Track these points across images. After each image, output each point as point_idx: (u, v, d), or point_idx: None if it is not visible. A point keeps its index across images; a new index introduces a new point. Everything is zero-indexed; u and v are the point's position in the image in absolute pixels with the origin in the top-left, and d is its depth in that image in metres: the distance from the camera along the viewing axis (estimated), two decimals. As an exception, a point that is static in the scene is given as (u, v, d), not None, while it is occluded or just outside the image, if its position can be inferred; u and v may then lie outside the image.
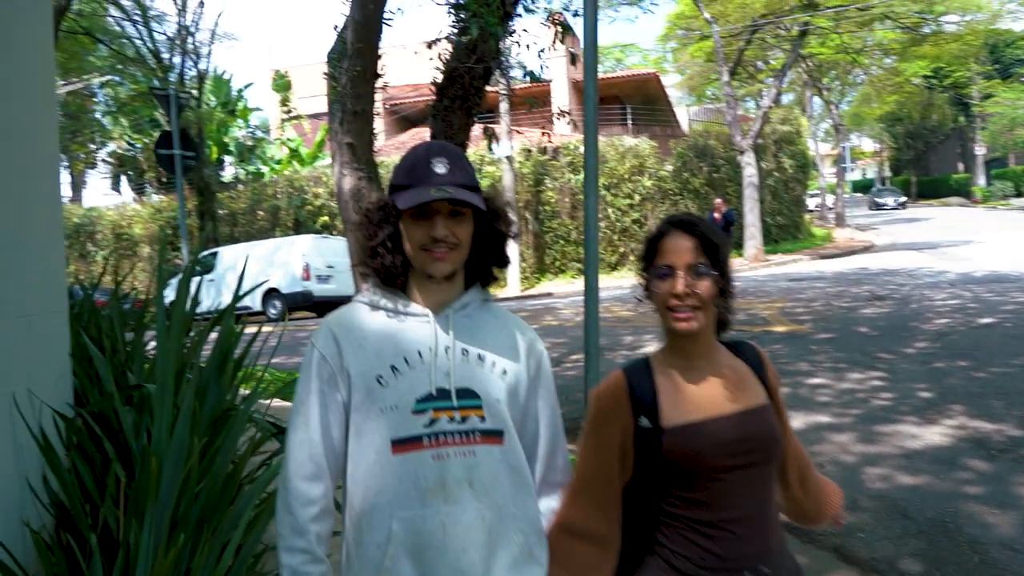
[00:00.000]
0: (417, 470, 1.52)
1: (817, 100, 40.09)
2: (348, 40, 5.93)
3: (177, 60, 21.77)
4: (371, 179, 6.22)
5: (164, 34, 21.52)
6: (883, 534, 4.30)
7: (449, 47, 6.41)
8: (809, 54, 29.29)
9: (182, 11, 21.24)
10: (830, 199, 38.71)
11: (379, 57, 6.16)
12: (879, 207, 48.00)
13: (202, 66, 22.54)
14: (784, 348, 9.03)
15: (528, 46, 6.34)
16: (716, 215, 15.67)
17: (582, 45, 3.48)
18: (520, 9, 6.55)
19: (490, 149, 6.89)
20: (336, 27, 6.37)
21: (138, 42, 21.74)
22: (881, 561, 4.02)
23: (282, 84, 27.55)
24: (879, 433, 5.86)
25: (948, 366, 7.60)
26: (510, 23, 6.35)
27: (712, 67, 26.72)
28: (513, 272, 19.10)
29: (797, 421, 6.22)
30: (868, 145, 75.28)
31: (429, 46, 6.52)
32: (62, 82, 25.73)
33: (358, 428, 1.57)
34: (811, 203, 44.74)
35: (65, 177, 35.38)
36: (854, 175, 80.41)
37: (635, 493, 1.71)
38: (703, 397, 1.66)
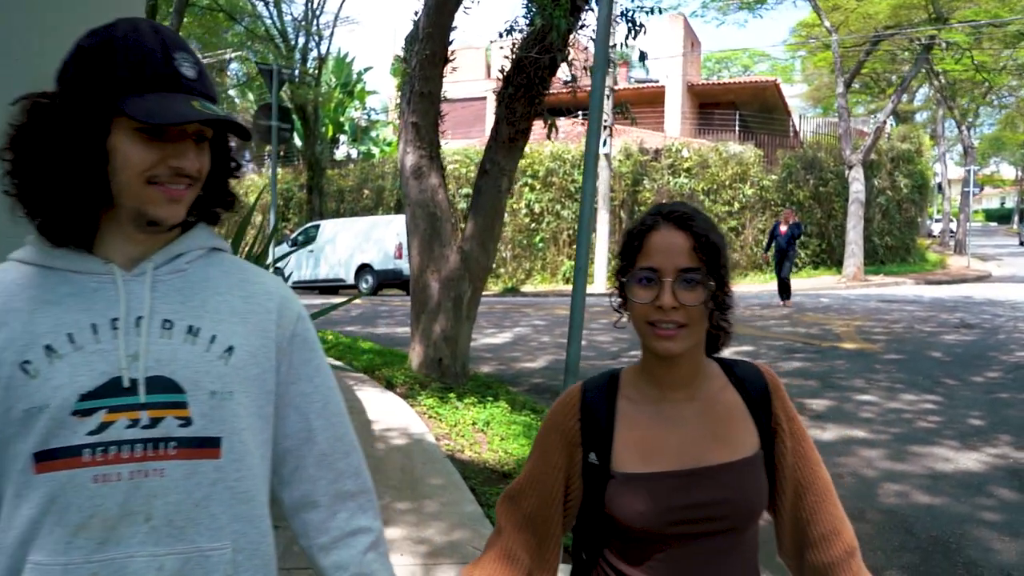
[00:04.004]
0: (67, 497, 1.04)
1: (952, 120, 38.05)
2: (420, 24, 6.29)
3: (302, 41, 22.93)
4: (432, 158, 6.56)
5: (291, 15, 22.69)
6: (879, 545, 4.28)
7: (520, 37, 6.68)
8: (942, 71, 27.86)
9: (310, -6, 22.40)
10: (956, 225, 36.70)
11: (450, 42, 6.49)
12: None
13: (324, 48, 23.66)
14: (846, 364, 8.86)
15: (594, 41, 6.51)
16: (783, 226, 14.50)
17: (594, 44, 3.67)
18: (593, 3, 6.74)
19: (549, 138, 7.07)
20: (416, 13, 6.73)
21: (268, 21, 23.06)
22: (867, 569, 4.02)
23: (400, 69, 28.44)
24: (911, 453, 5.74)
25: (1012, 397, 7.29)
26: (580, 17, 6.53)
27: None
28: (600, 269, 19.18)
29: (830, 433, 6.18)
30: (1008, 172, 70.57)
31: (502, 35, 6.80)
32: (199, 55, 27.50)
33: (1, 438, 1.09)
34: (936, 228, 42.50)
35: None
36: (992, 203, 75.66)
37: (581, 538, 1.41)
38: (667, 442, 1.32)
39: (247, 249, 4.07)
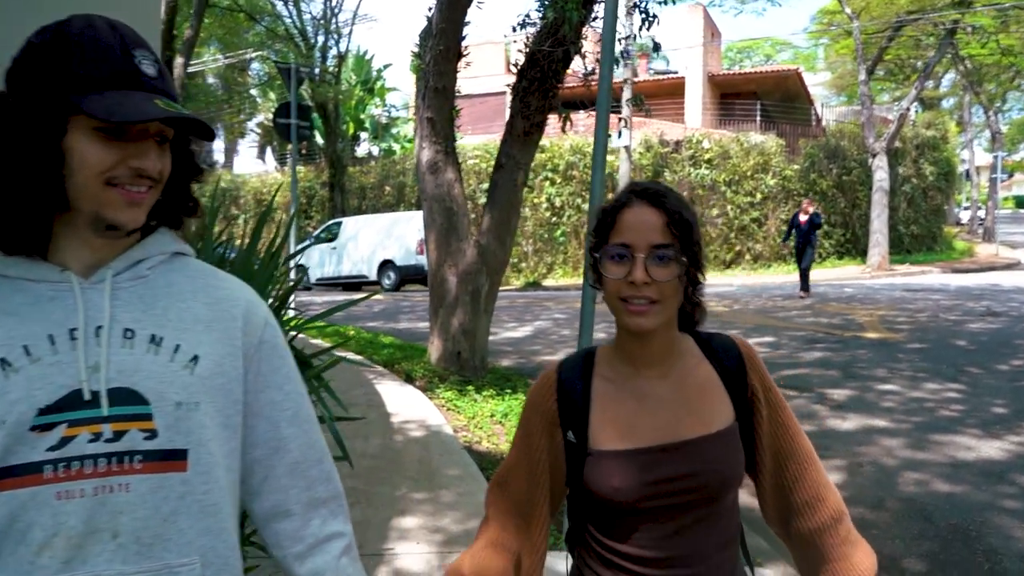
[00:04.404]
0: (29, 516, 1.00)
1: (979, 106, 37.39)
2: (433, 20, 6.32)
3: (321, 39, 23.09)
4: (448, 153, 6.60)
5: (310, 14, 22.86)
6: (897, 533, 4.26)
7: (534, 31, 6.69)
8: (967, 56, 27.40)
9: (329, -7, 22.54)
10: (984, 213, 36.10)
11: (463, 37, 6.52)
12: None
13: (343, 46, 23.80)
14: (868, 354, 8.79)
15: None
16: (802, 217, 14.24)
17: (601, 38, 3.68)
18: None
19: (564, 131, 7.09)
20: (429, 9, 6.77)
21: (288, 21, 23.24)
22: (885, 557, 4.00)
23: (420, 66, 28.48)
24: (932, 441, 5.70)
25: (1037, 385, 7.21)
26: (592, 9, 6.53)
27: (859, 65, 25.49)
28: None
29: (851, 423, 6.15)
30: (1038, 158, 69.19)
31: (515, 30, 6.82)
32: (221, 56, 27.85)
33: None
34: (964, 216, 41.79)
35: (218, 144, 38.31)
36: (1023, 190, 74.31)
37: (569, 508, 1.45)
38: (642, 418, 1.33)
39: (266, 246, 4.12)
